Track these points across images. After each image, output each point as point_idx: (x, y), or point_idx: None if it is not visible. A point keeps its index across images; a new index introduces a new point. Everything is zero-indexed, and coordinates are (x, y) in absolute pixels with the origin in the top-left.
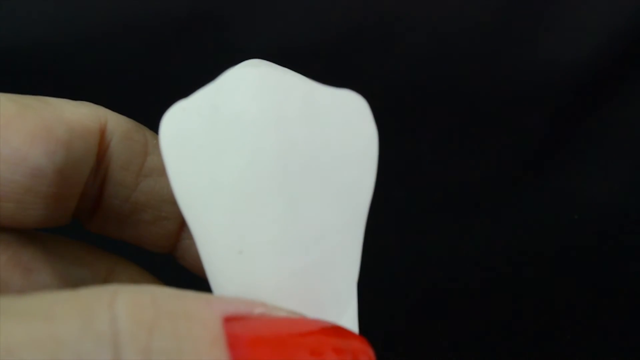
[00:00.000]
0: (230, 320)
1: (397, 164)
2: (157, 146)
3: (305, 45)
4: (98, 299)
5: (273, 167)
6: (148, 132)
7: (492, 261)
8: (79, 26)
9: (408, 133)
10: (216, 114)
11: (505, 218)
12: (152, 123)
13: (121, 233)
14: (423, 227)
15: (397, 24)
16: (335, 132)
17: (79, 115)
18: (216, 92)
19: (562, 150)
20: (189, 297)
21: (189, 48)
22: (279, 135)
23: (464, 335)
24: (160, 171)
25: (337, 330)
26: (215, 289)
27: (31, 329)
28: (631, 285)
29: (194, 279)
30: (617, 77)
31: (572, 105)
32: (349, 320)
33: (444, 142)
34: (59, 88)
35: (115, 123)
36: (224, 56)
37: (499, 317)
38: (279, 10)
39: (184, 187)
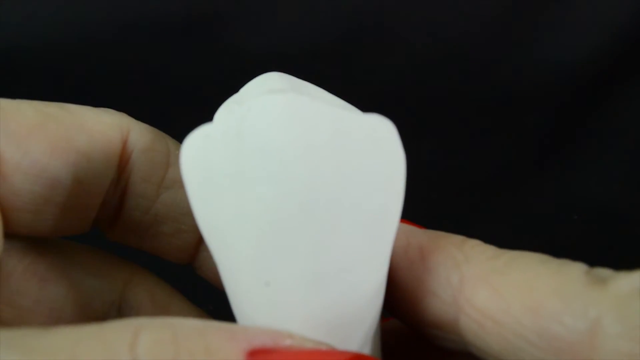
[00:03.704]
0: (254, 354)
1: None
2: (179, 157)
3: (305, 45)
4: (120, 338)
5: (301, 198)
6: (171, 142)
7: None
8: (80, 26)
9: (408, 133)
10: (242, 143)
11: (505, 218)
12: (154, 123)
13: (141, 243)
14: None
15: (397, 25)
16: (364, 160)
17: (101, 125)
18: (242, 119)
19: (562, 150)
20: (211, 331)
21: (189, 48)
22: (308, 164)
23: None
24: (182, 183)
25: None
26: (239, 318)
27: None
28: None
29: (212, 286)
30: (617, 77)
31: (572, 105)
32: (374, 348)
33: (444, 142)
34: (59, 88)
35: (138, 133)
36: (224, 56)
37: None
38: (279, 11)
39: (207, 216)
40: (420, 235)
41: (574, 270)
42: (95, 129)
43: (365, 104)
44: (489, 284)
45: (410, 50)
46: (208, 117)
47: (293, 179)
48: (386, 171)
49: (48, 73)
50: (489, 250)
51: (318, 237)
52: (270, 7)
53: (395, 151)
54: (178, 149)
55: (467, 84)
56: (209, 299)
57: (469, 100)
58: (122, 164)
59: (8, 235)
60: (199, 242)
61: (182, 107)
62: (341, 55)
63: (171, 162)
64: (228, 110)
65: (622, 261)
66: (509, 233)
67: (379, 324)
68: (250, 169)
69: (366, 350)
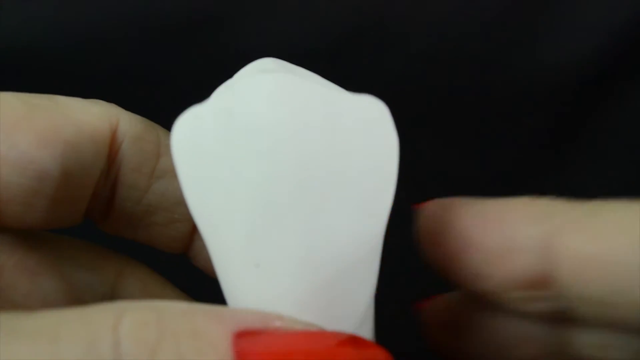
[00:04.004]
0: (242, 336)
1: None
2: (170, 147)
3: (304, 46)
4: (103, 320)
5: (292, 178)
6: (161, 132)
7: None
8: (80, 27)
9: (408, 133)
10: (232, 122)
11: None
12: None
13: (134, 234)
14: None
15: (397, 25)
16: (356, 140)
17: (89, 116)
18: (232, 99)
19: (563, 150)
20: (198, 314)
21: (189, 49)
22: (298, 145)
23: None
24: (173, 173)
25: (356, 341)
26: (230, 302)
27: (36, 349)
28: None
29: (206, 276)
30: (617, 77)
31: (573, 105)
32: (367, 330)
33: (444, 142)
34: (59, 88)
35: (128, 123)
36: (224, 57)
37: None
38: (279, 11)
39: (197, 198)
40: (485, 203)
41: None
42: (83, 120)
43: None
44: (583, 229)
45: (410, 50)
46: None
47: (283, 158)
48: (378, 151)
49: (48, 73)
50: (565, 202)
51: (309, 218)
52: (270, 7)
53: (388, 131)
54: (169, 138)
55: (466, 84)
56: (205, 292)
57: (469, 101)
58: (111, 154)
59: None
60: (192, 232)
61: (182, 107)
62: (341, 55)
63: (162, 152)
64: (220, 92)
65: None
66: None
67: (373, 306)
68: (241, 148)
69: (360, 332)
